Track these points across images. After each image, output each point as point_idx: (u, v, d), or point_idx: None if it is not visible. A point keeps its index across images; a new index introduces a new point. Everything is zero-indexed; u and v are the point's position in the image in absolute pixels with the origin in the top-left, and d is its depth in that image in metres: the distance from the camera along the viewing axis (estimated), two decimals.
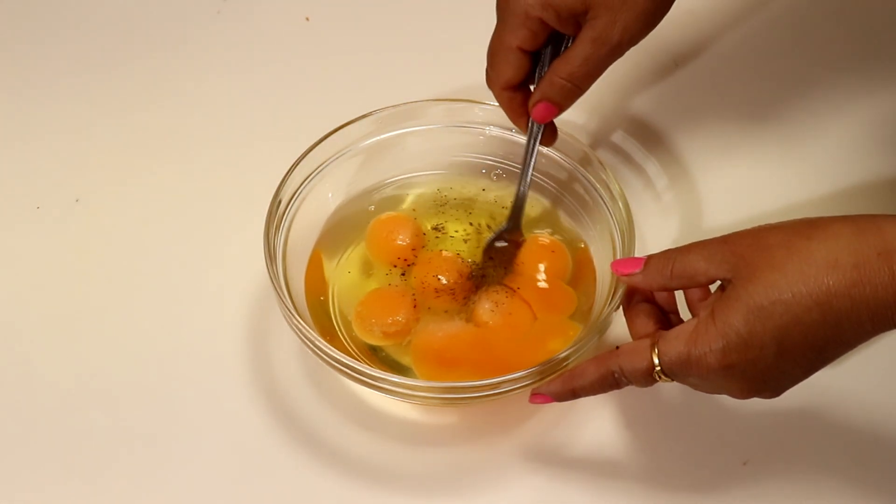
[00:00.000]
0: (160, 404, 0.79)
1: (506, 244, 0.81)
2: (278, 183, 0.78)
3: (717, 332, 0.64)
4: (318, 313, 0.79)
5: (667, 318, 0.71)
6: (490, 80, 0.76)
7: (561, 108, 0.75)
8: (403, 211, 0.84)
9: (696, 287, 0.69)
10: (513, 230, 0.81)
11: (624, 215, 0.77)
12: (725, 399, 0.67)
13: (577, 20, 0.72)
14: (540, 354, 0.73)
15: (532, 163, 0.78)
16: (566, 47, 0.74)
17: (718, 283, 0.67)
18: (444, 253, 0.81)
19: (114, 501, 0.75)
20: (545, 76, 0.74)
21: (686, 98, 0.95)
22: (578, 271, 0.81)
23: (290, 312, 0.73)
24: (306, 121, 0.85)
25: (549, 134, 0.79)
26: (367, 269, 0.81)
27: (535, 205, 0.84)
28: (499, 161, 0.85)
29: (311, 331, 0.72)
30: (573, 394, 0.70)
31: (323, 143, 0.81)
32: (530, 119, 0.77)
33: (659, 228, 0.86)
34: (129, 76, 0.97)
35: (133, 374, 0.80)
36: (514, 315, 0.78)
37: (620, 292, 0.72)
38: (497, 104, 0.77)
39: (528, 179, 0.79)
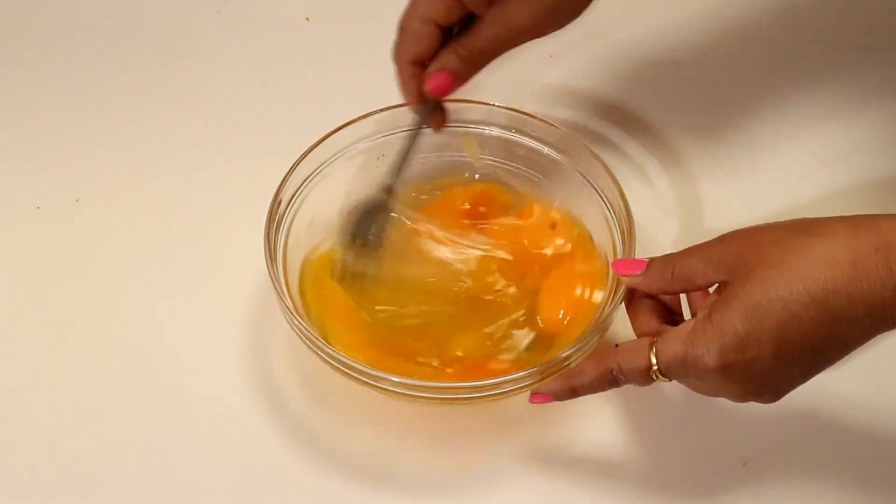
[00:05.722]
0: (160, 404, 0.79)
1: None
2: (278, 183, 0.78)
3: (715, 332, 0.64)
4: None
5: (670, 315, 0.71)
6: (398, 53, 0.77)
7: (456, 79, 0.76)
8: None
9: (697, 290, 0.69)
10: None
11: (624, 215, 0.77)
12: (725, 399, 0.67)
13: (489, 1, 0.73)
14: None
15: (414, 147, 0.79)
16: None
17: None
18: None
19: (113, 501, 0.75)
20: (447, 46, 0.75)
21: (686, 98, 0.95)
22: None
23: (291, 313, 0.73)
24: (307, 121, 0.85)
25: (440, 116, 0.79)
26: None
27: (534, 204, 0.84)
28: (499, 161, 0.85)
29: (311, 331, 0.72)
30: (573, 392, 0.70)
31: (323, 143, 0.81)
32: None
33: (659, 228, 0.86)
34: (128, 76, 0.97)
35: (133, 373, 0.80)
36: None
37: (621, 292, 0.72)
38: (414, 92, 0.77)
39: (408, 162, 0.79)
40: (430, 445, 0.77)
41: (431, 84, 0.76)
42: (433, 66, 0.76)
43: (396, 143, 0.82)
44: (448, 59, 0.75)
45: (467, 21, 0.75)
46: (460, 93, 0.83)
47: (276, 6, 1.02)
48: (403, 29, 0.76)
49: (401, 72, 0.77)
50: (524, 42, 0.75)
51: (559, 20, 0.75)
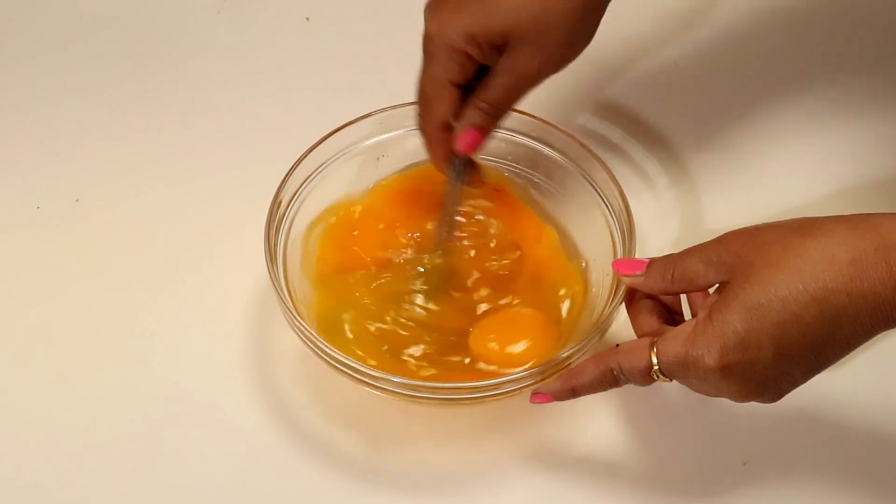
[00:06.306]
0: (159, 404, 0.79)
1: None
2: (278, 183, 0.78)
3: (715, 333, 0.64)
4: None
5: (671, 316, 0.71)
6: (423, 122, 0.76)
7: (484, 134, 0.76)
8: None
9: (697, 290, 0.69)
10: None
11: (624, 215, 0.77)
12: (725, 399, 0.67)
13: (499, 51, 0.74)
14: None
15: (458, 206, 0.80)
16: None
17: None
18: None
19: (113, 501, 0.75)
20: (468, 104, 0.75)
21: (686, 98, 0.95)
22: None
23: (291, 313, 0.73)
24: (306, 121, 0.85)
25: (475, 174, 0.80)
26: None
27: (533, 205, 0.84)
28: (499, 161, 0.85)
29: (311, 331, 0.72)
30: (573, 392, 0.70)
31: (323, 143, 0.81)
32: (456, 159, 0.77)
33: (659, 228, 0.86)
34: (128, 76, 0.97)
35: (132, 374, 0.80)
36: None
37: (621, 292, 0.72)
38: None
39: (454, 221, 0.80)
40: (431, 445, 0.77)
41: (462, 144, 0.76)
42: (459, 126, 0.75)
43: (397, 144, 0.83)
44: (472, 116, 0.75)
45: (482, 73, 0.75)
46: None
47: (276, 6, 1.02)
48: (423, 96, 0.76)
49: (429, 139, 0.77)
50: (542, 80, 0.75)
51: (569, 54, 0.75)
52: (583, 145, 0.82)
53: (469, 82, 0.75)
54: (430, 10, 0.75)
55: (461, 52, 0.73)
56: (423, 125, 0.77)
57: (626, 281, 0.71)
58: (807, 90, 0.95)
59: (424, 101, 0.76)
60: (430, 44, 0.74)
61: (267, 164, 0.81)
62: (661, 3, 1.01)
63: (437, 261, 0.80)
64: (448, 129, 0.76)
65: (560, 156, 0.83)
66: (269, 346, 0.81)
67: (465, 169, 0.78)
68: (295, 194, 0.80)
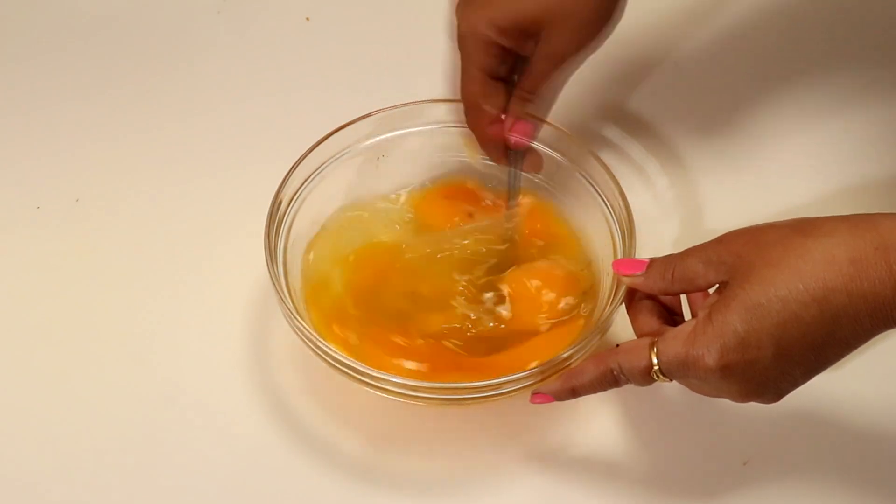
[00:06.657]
0: (159, 404, 0.79)
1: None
2: (278, 183, 0.78)
3: (715, 333, 0.64)
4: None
5: (671, 316, 0.71)
6: (472, 121, 0.78)
7: (534, 123, 0.78)
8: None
9: (697, 291, 0.69)
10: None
11: (624, 215, 0.77)
12: (725, 399, 0.67)
13: (531, 38, 0.75)
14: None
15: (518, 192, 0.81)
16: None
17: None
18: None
19: (113, 501, 0.75)
20: (513, 97, 0.77)
21: (686, 98, 0.95)
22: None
23: (291, 313, 0.73)
24: (306, 121, 0.85)
25: (533, 158, 0.81)
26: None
27: (532, 205, 0.84)
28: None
29: (311, 331, 0.72)
30: (573, 392, 0.70)
31: (323, 143, 0.81)
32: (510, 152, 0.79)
33: (659, 228, 0.86)
34: (128, 76, 0.97)
35: (133, 374, 0.80)
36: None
37: (621, 292, 0.72)
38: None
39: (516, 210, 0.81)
40: (431, 445, 0.77)
41: (515, 138, 0.78)
42: (508, 121, 0.77)
43: (397, 144, 0.83)
44: (518, 108, 0.77)
45: (521, 63, 0.77)
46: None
47: (276, 6, 1.02)
48: (467, 95, 0.77)
49: (481, 137, 0.78)
50: (582, 60, 0.76)
51: (601, 31, 0.76)
52: (583, 145, 0.82)
53: (509, 75, 0.76)
54: (460, 10, 0.76)
55: (495, 45, 0.75)
56: (473, 125, 0.78)
57: (626, 281, 0.71)
58: (807, 91, 0.96)
59: (469, 100, 0.77)
60: (464, 43, 0.76)
61: (267, 164, 0.81)
62: (662, 3, 1.01)
63: (502, 247, 0.81)
64: (497, 123, 0.77)
65: (560, 156, 0.83)
66: (269, 346, 0.81)
67: (522, 158, 0.80)
68: (295, 194, 0.80)
